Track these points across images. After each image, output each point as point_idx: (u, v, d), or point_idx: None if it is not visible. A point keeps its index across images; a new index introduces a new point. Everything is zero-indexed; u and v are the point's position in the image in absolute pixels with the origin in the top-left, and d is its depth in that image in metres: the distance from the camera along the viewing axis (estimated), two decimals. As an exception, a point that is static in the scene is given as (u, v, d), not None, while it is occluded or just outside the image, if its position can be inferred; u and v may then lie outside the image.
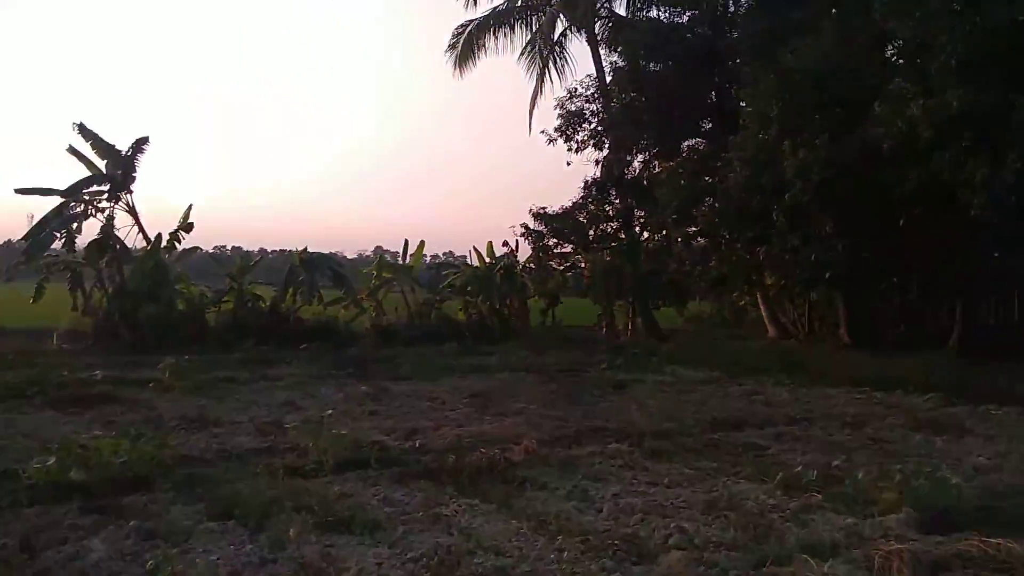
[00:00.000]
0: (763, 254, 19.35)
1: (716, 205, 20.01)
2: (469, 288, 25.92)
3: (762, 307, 24.59)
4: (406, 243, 26.65)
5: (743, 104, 20.04)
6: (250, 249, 36.59)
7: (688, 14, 23.53)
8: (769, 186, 17.32)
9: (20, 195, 20.50)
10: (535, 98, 27.93)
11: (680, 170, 22.10)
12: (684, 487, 7.58)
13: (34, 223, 21.04)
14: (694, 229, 21.95)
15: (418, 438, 9.57)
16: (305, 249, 23.56)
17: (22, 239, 20.43)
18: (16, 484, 7.12)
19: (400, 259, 26.82)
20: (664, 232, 24.38)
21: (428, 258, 31.05)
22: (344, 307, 25.17)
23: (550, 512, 6.62)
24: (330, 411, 10.53)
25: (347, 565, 5.35)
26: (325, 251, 25.79)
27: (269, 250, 37.07)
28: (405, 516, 6.48)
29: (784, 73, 16.98)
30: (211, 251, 36.14)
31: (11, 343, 20.37)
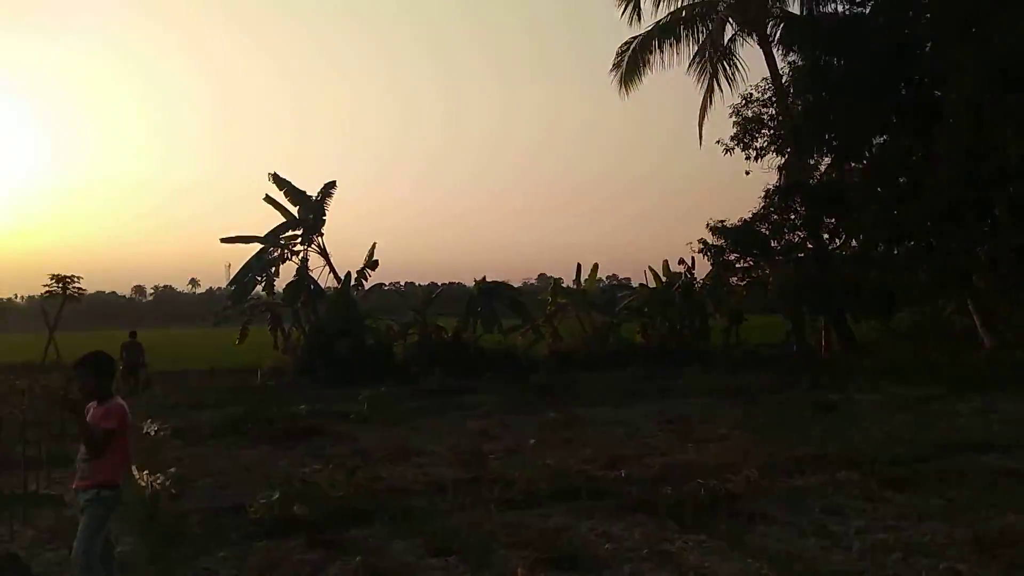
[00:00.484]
0: (983, 255, 17.30)
1: (922, 204, 18.15)
2: (646, 310, 25.24)
3: (975, 315, 22.10)
4: (578, 267, 26.47)
5: (939, 93, 18.21)
6: (421, 283, 37.75)
7: (871, 3, 21.80)
8: (986, 179, 15.48)
9: (225, 243, 22.26)
10: (704, 109, 27.00)
11: (875, 169, 20.35)
12: (939, 520, 6.68)
13: (236, 271, 22.72)
14: (896, 232, 20.08)
15: (622, 467, 9.13)
16: (484, 279, 23.87)
17: (228, 285, 22.10)
18: (243, 519, 7.37)
19: (572, 284, 26.61)
20: (861, 238, 22.55)
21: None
22: (521, 334, 25.25)
23: (791, 551, 5.97)
24: (532, 440, 10.26)
25: (580, 608, 5.00)
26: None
27: (439, 283, 38.04)
28: (630, 553, 6.06)
29: (996, 52, 15.17)
30: (385, 287, 37.64)
31: (223, 381, 22.03)
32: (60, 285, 27.19)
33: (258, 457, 10.78)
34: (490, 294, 23.54)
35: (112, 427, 4.80)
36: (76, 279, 27.52)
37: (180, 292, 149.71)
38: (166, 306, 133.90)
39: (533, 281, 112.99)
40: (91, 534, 4.83)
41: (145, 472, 8.59)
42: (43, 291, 28.07)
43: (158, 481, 8.46)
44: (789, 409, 13.67)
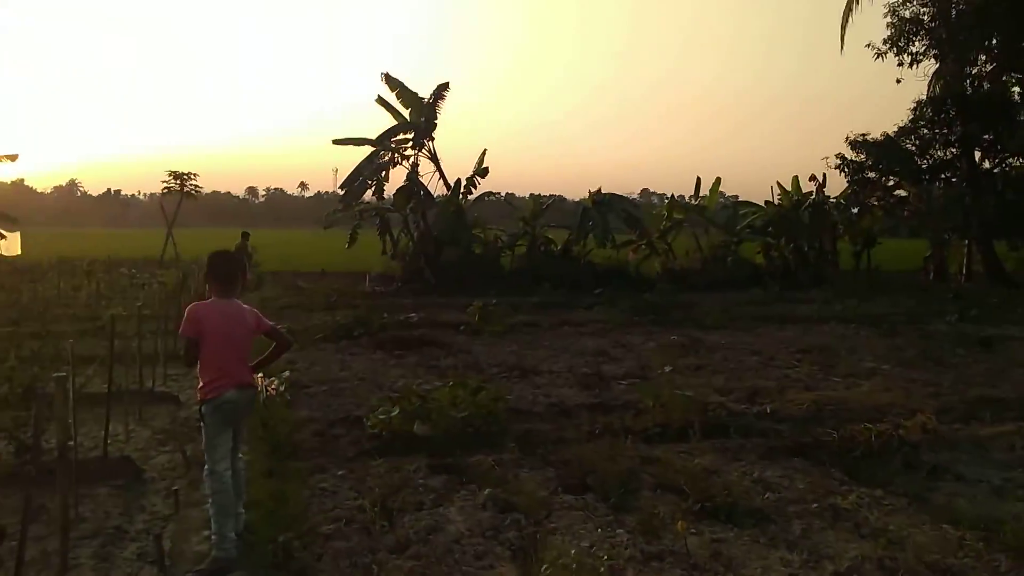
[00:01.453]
0: None
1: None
2: (770, 229, 23.59)
3: None
4: (698, 181, 24.91)
5: None
6: (522, 196, 36.52)
7: None
8: None
9: (337, 145, 21.87)
10: (849, 10, 24.26)
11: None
12: None
13: (348, 175, 22.30)
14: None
15: (764, 402, 8.26)
16: (599, 190, 22.64)
17: (339, 187, 21.82)
18: (359, 432, 6.94)
19: (692, 199, 25.12)
20: (1027, 156, 20.08)
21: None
22: (632, 249, 24.20)
23: (991, 516, 5.00)
24: (669, 368, 9.43)
25: (749, 572, 4.25)
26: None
27: (540, 195, 36.92)
28: (794, 506, 5.24)
29: None
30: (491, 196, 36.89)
31: (332, 284, 22.09)
32: (178, 182, 27.94)
33: (370, 365, 10.44)
34: (604, 206, 22.35)
35: (183, 333, 4.38)
36: (192, 176, 28.21)
37: (290, 195, 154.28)
38: (277, 208, 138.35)
39: (635, 196, 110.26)
40: (205, 451, 4.43)
41: (259, 376, 8.29)
42: (162, 187, 28.98)
43: (272, 386, 8.16)
44: (939, 343, 12.36)
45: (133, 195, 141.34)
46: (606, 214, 21.83)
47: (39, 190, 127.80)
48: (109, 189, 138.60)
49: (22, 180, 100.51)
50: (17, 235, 25.57)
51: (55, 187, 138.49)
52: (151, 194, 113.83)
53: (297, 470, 5.95)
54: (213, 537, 4.31)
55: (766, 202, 24.78)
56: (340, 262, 29.46)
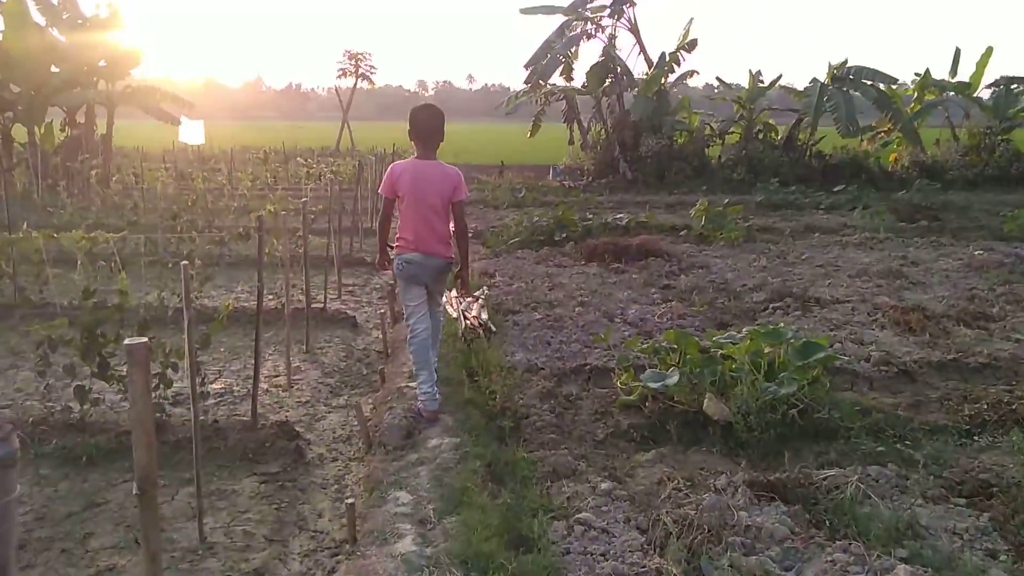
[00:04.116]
0: None
1: None
2: (1055, 112, 18.74)
3: None
4: (956, 53, 20.07)
5: None
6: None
7: None
8: None
9: (525, 15, 19.05)
10: None
11: None
12: None
13: (533, 52, 19.55)
14: None
15: None
16: (844, 63, 18.36)
17: (525, 66, 19.19)
18: (608, 395, 4.70)
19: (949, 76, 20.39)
20: None
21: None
22: (869, 139, 20.18)
23: None
24: None
25: None
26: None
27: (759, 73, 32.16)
28: None
29: None
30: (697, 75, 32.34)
31: (513, 179, 19.98)
32: (353, 62, 26.66)
33: (586, 282, 8.14)
34: (848, 83, 18.04)
35: (381, 191, 4.45)
36: (367, 56, 26.73)
37: (458, 88, 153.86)
38: (446, 100, 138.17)
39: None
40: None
41: (453, 295, 6.21)
42: (337, 70, 27.84)
43: (473, 315, 6.04)
44: None
45: (313, 88, 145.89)
46: (849, 93, 17.65)
47: (230, 87, 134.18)
48: (291, 83, 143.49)
49: (212, 78, 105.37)
50: (200, 123, 25.07)
51: (244, 83, 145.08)
52: (328, 89, 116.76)
53: (528, 467, 3.77)
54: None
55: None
56: (519, 155, 27.33)
